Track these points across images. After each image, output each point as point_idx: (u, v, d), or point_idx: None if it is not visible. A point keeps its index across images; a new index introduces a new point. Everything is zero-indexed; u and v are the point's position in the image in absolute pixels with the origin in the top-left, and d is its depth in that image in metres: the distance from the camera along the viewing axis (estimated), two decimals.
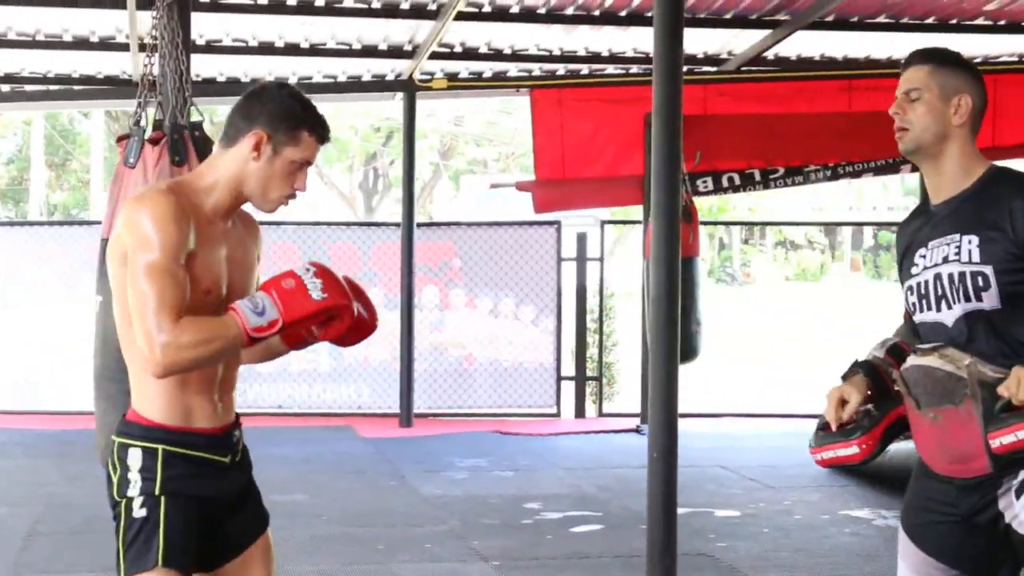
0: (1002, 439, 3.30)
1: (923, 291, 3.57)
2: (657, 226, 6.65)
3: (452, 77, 13.28)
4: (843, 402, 3.62)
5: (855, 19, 11.91)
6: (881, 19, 11.92)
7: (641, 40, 12.47)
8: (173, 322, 3.39)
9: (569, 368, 13.98)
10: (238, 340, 3.42)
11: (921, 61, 3.59)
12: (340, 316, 3.52)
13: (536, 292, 13.53)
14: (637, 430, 12.46)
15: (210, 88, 12.98)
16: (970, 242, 3.46)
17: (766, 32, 12.06)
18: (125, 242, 3.48)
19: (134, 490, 3.56)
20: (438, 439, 12.21)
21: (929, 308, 3.57)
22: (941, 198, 3.58)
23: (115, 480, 3.60)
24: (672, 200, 6.66)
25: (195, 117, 6.09)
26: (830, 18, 11.70)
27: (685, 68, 12.88)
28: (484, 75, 13.42)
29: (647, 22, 11.66)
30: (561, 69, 13.27)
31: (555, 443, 12.03)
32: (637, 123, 12.55)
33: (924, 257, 3.58)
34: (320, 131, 3.63)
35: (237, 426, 3.75)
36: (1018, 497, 3.44)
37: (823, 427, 3.65)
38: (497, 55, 12.77)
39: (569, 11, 11.56)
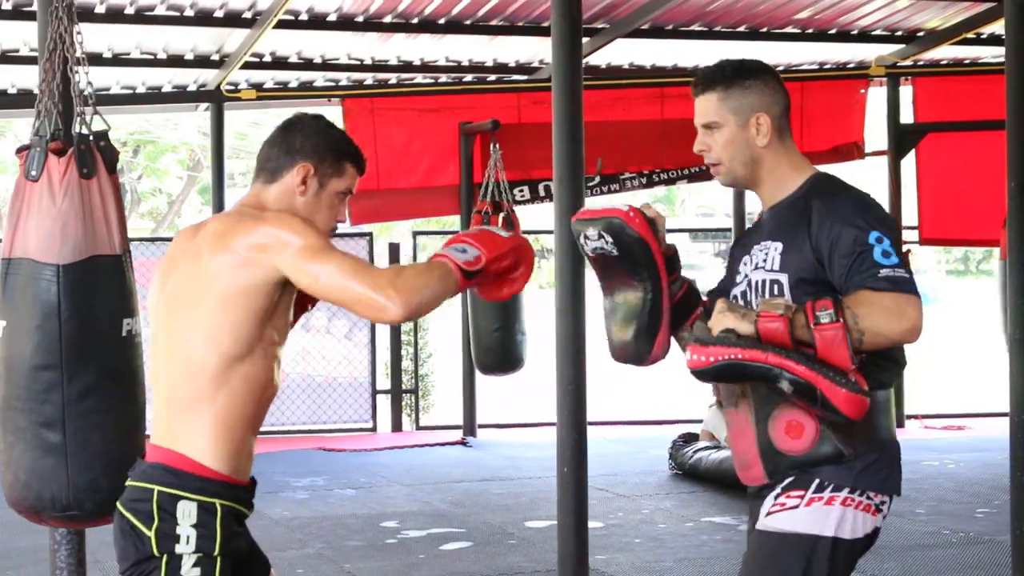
0: (688, 354, 3.21)
1: (745, 299, 3.50)
2: (560, 235, 6.54)
3: (259, 87, 12.92)
4: None
5: (670, 27, 11.99)
6: (695, 27, 12.02)
7: (454, 48, 12.35)
8: (378, 268, 3.31)
9: (384, 382, 13.73)
10: (452, 277, 3.34)
11: (707, 88, 3.48)
12: (526, 256, 3.52)
13: None
14: (463, 442, 12.34)
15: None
16: (776, 249, 3.40)
17: (583, 40, 12.03)
18: (267, 263, 3.27)
19: (185, 547, 3.28)
20: (261, 458, 11.58)
21: None
22: (767, 205, 3.52)
23: (151, 532, 3.29)
24: (576, 208, 6.53)
25: (100, 126, 5.70)
26: (646, 26, 11.75)
27: (495, 77, 12.96)
28: (290, 84, 13.10)
29: (464, 30, 11.60)
30: (370, 79, 13.04)
31: (384, 458, 11.79)
32: (451, 132, 12.43)
33: (745, 264, 3.52)
34: (361, 161, 3.56)
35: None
36: (770, 494, 3.38)
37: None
38: (307, 64, 12.48)
39: (387, 19, 11.34)
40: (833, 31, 12.43)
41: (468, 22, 11.53)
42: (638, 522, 8.87)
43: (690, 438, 10.66)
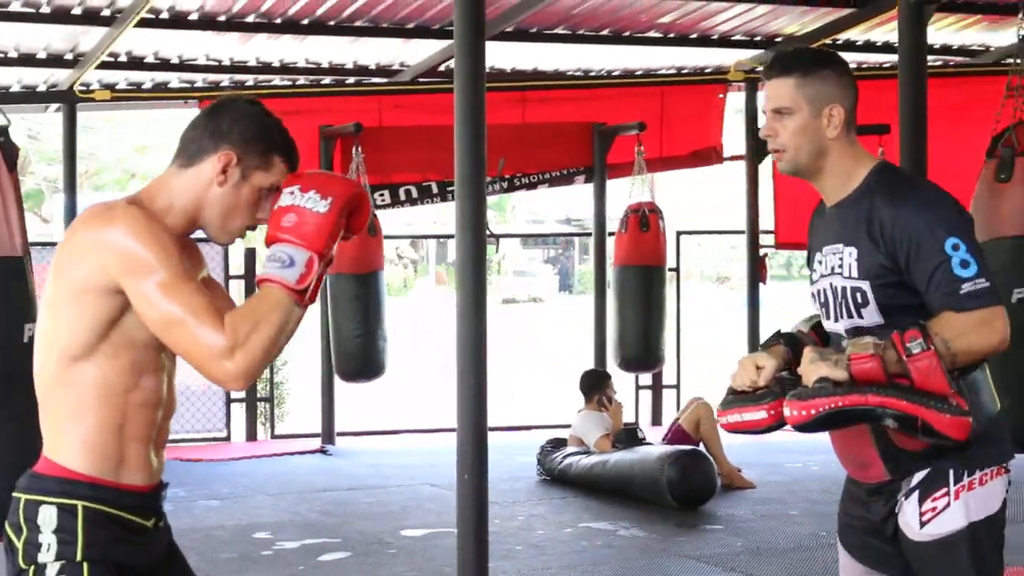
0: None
1: (821, 300, 3.51)
2: (462, 239, 6.42)
3: (112, 88, 12.56)
4: (758, 368, 3.40)
5: (534, 30, 11.92)
6: (559, 30, 11.97)
7: (315, 50, 12.13)
8: (220, 325, 2.92)
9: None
10: (291, 303, 2.99)
11: (784, 73, 3.43)
12: (360, 204, 3.12)
13: None
14: (323, 450, 12.13)
15: None
16: (851, 255, 3.37)
17: (445, 43, 11.93)
18: (110, 270, 2.98)
19: (47, 555, 3.03)
20: None
21: (827, 317, 3.51)
22: (831, 202, 3.49)
23: (19, 545, 3.05)
24: (478, 212, 6.46)
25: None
26: (510, 29, 11.66)
27: (354, 80, 12.77)
28: (144, 86, 12.76)
29: (327, 31, 11.40)
30: (227, 80, 12.75)
31: (243, 468, 11.52)
32: (311, 135, 12.21)
33: (820, 264, 3.51)
34: (292, 157, 3.20)
35: (165, 486, 3.27)
36: (907, 498, 3.39)
37: (733, 391, 3.45)
38: (164, 65, 12.15)
39: (250, 19, 11.09)
40: (694, 36, 12.46)
41: (332, 23, 11.33)
42: (515, 529, 8.77)
43: (558, 443, 10.59)
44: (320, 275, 3.08)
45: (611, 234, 12.47)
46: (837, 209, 3.44)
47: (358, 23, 11.40)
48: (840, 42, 12.72)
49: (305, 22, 11.27)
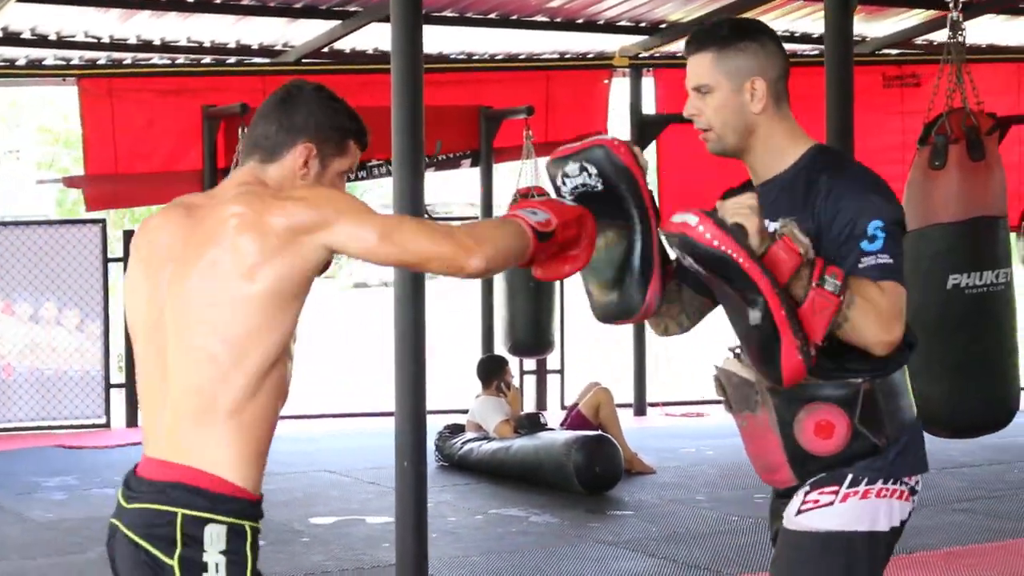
0: (672, 220, 3.02)
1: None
2: None
3: None
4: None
5: (422, 12, 11.78)
6: (447, 13, 11.87)
7: (197, 29, 11.89)
8: (445, 224, 3.05)
9: (118, 375, 13.14)
10: (526, 236, 3.04)
11: (700, 48, 3.25)
12: (589, 228, 3.21)
13: (80, 295, 12.63)
14: None
15: None
16: (769, 229, 3.17)
17: (332, 23, 11.77)
18: (288, 261, 2.90)
19: (215, 575, 2.90)
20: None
21: None
22: (759, 179, 3.30)
23: (174, 561, 2.89)
24: (416, 193, 6.36)
25: None
26: None
27: (236, 59, 12.55)
28: (18, 62, 12.39)
29: (212, 9, 11.19)
30: (104, 58, 12.42)
31: (132, 455, 11.12)
32: (193, 115, 11.99)
33: None
34: (364, 139, 3.19)
35: None
36: (797, 492, 3.23)
37: None
38: (41, 41, 11.80)
39: None
40: (580, 21, 12.46)
41: (218, 1, 11.11)
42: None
43: (456, 429, 10.52)
44: (546, 247, 3.12)
45: None
46: (766, 186, 3.25)
47: (244, 2, 11.19)
48: None
49: (191, 0, 11.03)
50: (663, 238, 3.18)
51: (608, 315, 3.40)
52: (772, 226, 3.11)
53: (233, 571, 2.89)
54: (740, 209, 3.02)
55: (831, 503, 3.16)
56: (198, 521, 2.88)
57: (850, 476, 3.16)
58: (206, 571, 2.88)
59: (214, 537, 2.89)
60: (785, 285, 2.97)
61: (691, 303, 3.49)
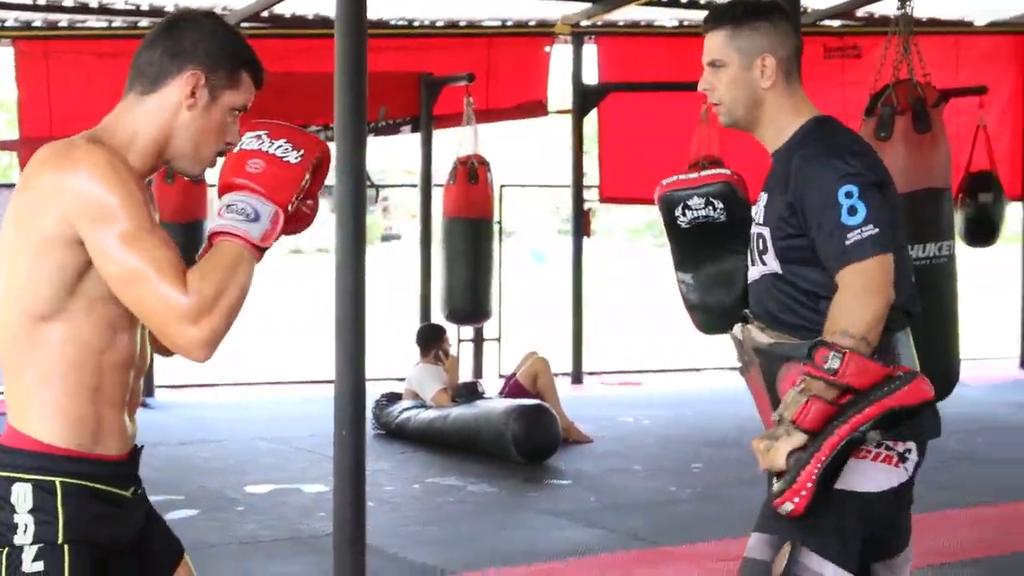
0: (785, 507, 3.10)
1: (750, 248, 3.48)
2: (341, 186, 6.23)
3: None
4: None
5: None
6: None
7: None
8: (183, 283, 2.63)
9: None
10: (251, 261, 2.71)
11: (716, 25, 3.43)
12: (322, 167, 2.86)
13: None
14: (143, 404, 11.71)
15: None
16: (762, 201, 3.38)
17: None
18: (70, 218, 2.67)
19: (23, 537, 2.73)
20: None
21: (753, 263, 3.47)
22: (771, 152, 3.47)
23: None
24: (359, 158, 6.25)
25: None
26: None
27: None
28: None
29: None
30: (40, 20, 12.21)
31: None
32: None
33: (757, 214, 3.46)
34: (259, 74, 2.93)
35: (139, 450, 2.95)
36: None
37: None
38: None
39: None
40: None
41: None
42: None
43: (393, 397, 10.45)
44: (300, 221, 2.88)
45: (438, 185, 12.33)
46: (774, 158, 3.42)
47: None
48: (664, 0, 12.79)
49: None
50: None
51: (718, 328, 3.66)
52: (764, 196, 3.37)
53: (43, 531, 2.74)
54: (773, 452, 3.11)
55: None
56: (6, 481, 2.76)
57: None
58: (15, 532, 2.74)
59: (21, 495, 2.75)
60: (837, 407, 3.08)
61: None
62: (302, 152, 2.77)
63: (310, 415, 11.03)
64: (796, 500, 3.05)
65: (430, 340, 10.39)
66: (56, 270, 2.73)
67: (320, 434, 10.33)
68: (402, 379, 10.69)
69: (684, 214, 3.51)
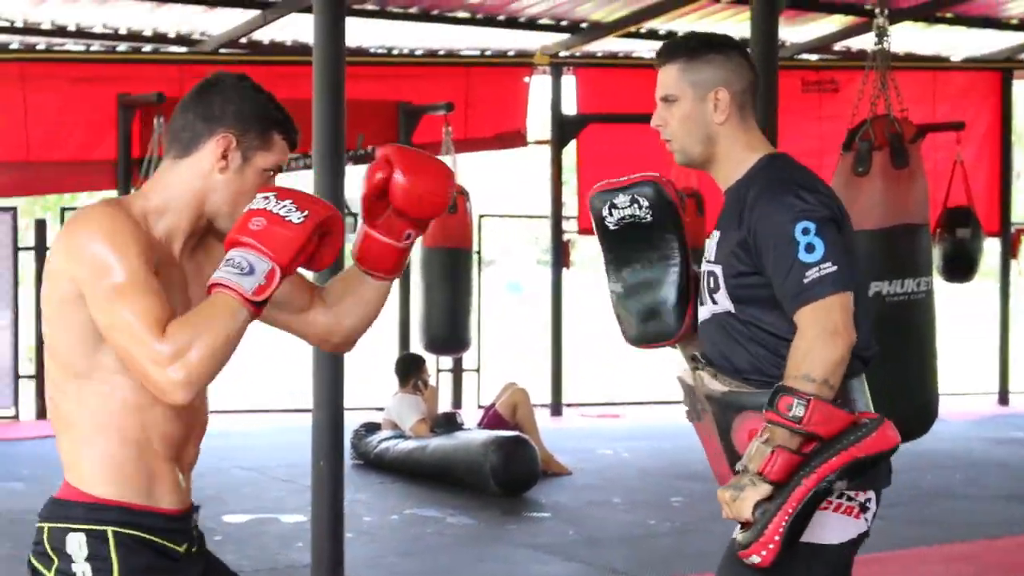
0: (752, 559, 3.02)
1: (698, 288, 3.39)
2: None
3: None
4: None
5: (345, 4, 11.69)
6: (368, 6, 11.77)
7: (113, 15, 11.70)
8: (162, 333, 2.68)
9: (27, 366, 12.90)
10: (241, 313, 2.73)
11: (669, 59, 3.32)
12: (332, 228, 2.86)
13: None
14: None
15: None
16: (713, 238, 3.29)
17: (251, 13, 11.64)
18: (76, 276, 2.75)
19: None
20: None
21: (702, 305, 3.37)
22: (724, 191, 3.36)
23: (51, 574, 2.82)
24: (337, 188, 6.28)
25: None
26: None
27: (151, 47, 12.37)
28: None
29: None
30: (17, 42, 12.20)
31: (39, 448, 11.02)
32: (108, 103, 11.81)
33: (708, 251, 3.37)
34: (292, 133, 2.97)
35: (197, 508, 3.03)
36: None
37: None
38: None
39: None
40: (502, 18, 12.40)
41: None
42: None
43: (372, 427, 10.42)
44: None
45: None
46: (726, 196, 3.32)
47: None
48: (643, 32, 12.84)
49: None
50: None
51: (645, 339, 3.50)
52: (715, 234, 3.28)
53: None
54: (738, 503, 3.01)
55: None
56: (61, 532, 2.82)
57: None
58: None
59: (77, 545, 2.81)
60: (801, 457, 2.98)
61: None
62: (306, 213, 2.78)
63: (288, 444, 10.99)
64: (763, 553, 2.97)
65: (409, 370, 10.37)
66: (79, 329, 2.79)
67: (298, 463, 10.30)
68: (381, 409, 10.65)
69: (611, 214, 3.39)
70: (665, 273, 3.41)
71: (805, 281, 3.03)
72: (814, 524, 3.07)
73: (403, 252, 3.08)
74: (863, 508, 3.18)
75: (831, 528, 3.14)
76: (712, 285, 3.23)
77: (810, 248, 3.05)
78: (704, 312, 3.29)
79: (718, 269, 3.21)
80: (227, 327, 2.72)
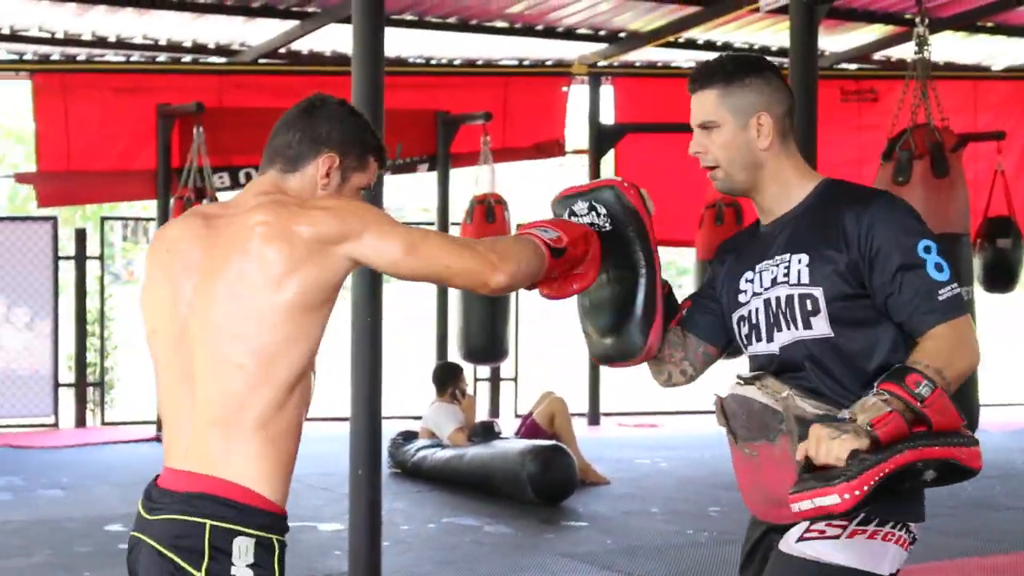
0: (801, 504, 2.90)
1: (754, 321, 3.24)
2: None
3: None
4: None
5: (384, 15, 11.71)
6: (407, 16, 11.79)
7: (153, 26, 11.76)
8: (466, 238, 3.12)
9: (66, 375, 12.97)
10: (541, 252, 3.12)
11: (705, 85, 3.22)
12: (594, 245, 3.23)
13: (31, 293, 12.46)
14: (158, 439, 11.75)
15: None
16: (799, 261, 3.14)
17: (290, 24, 11.67)
18: (316, 272, 2.90)
19: None
20: None
21: (759, 339, 3.23)
22: (769, 219, 3.27)
23: (201, 573, 2.85)
24: (376, 196, 6.28)
25: None
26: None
27: (191, 58, 12.43)
28: None
29: (168, 6, 11.07)
30: (58, 53, 12.27)
31: (79, 456, 11.13)
32: (148, 114, 11.87)
33: (752, 282, 3.25)
34: (383, 156, 3.24)
35: None
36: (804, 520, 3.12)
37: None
38: None
39: None
40: (540, 27, 12.41)
41: None
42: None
43: (409, 436, 10.44)
44: (559, 264, 3.17)
45: (455, 224, 12.35)
46: (779, 224, 3.22)
47: (202, 0, 11.09)
48: (682, 41, 12.81)
49: None
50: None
51: (607, 356, 3.40)
52: (796, 258, 3.14)
53: None
54: (837, 443, 2.87)
55: (837, 536, 3.08)
56: (226, 533, 2.86)
57: (863, 513, 3.04)
58: None
59: (242, 550, 2.87)
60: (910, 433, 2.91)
61: (695, 351, 3.44)
62: (590, 250, 3.23)
63: (326, 453, 11.00)
64: (847, 496, 2.83)
65: (446, 379, 10.38)
66: (310, 333, 2.95)
67: (336, 472, 10.32)
68: (418, 417, 10.66)
69: (571, 220, 3.28)
70: (627, 287, 3.29)
71: (940, 299, 3.02)
72: (876, 553, 3.06)
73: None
74: (912, 541, 3.15)
75: (890, 559, 3.10)
76: (810, 308, 3.12)
77: (939, 268, 3.04)
78: (786, 337, 3.17)
79: (817, 292, 3.11)
80: (531, 252, 3.08)
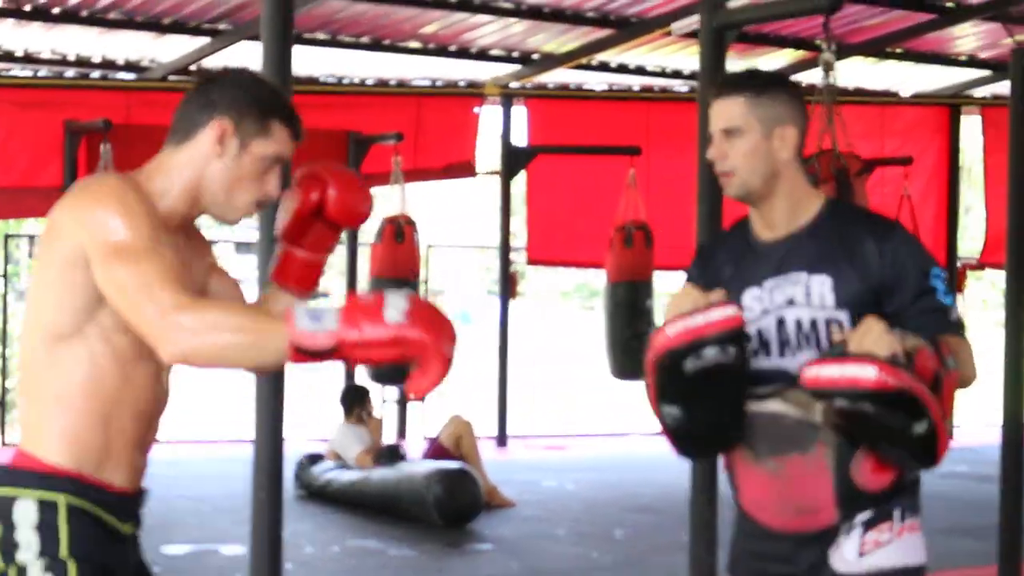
0: (823, 370, 2.90)
1: (764, 338, 3.23)
2: (265, 242, 6.18)
3: None
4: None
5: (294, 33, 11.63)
6: (319, 35, 11.74)
7: (61, 41, 11.61)
8: (185, 293, 2.66)
9: None
10: (279, 345, 2.59)
11: (735, 91, 3.24)
12: (423, 357, 2.62)
13: None
14: None
15: None
16: (822, 284, 3.18)
17: (200, 41, 11.57)
18: (84, 241, 2.73)
19: (27, 553, 2.76)
20: None
21: (769, 354, 3.24)
22: (774, 234, 3.27)
23: None
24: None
25: None
26: None
27: (100, 74, 12.28)
28: None
29: (78, 21, 10.96)
30: None
31: None
32: (54, 130, 11.69)
33: (760, 300, 3.25)
34: (295, 122, 2.95)
35: (145, 492, 2.97)
36: (848, 534, 3.18)
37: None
38: None
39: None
40: (453, 48, 12.39)
41: (84, 13, 10.86)
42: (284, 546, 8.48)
43: (316, 458, 10.35)
44: (324, 359, 2.64)
45: (363, 244, 12.28)
46: (787, 240, 3.25)
47: (111, 15, 10.96)
48: (595, 64, 12.85)
49: (56, 11, 10.77)
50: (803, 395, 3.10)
51: (700, 456, 3.72)
52: (817, 280, 3.19)
53: (47, 547, 2.77)
54: (891, 338, 2.92)
55: (890, 540, 3.19)
56: (8, 500, 2.79)
57: (897, 511, 3.20)
58: (18, 549, 2.77)
59: (24, 513, 2.78)
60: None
61: None
62: (405, 321, 2.60)
63: (231, 474, 10.89)
64: (884, 376, 2.85)
65: (353, 401, 10.31)
66: (77, 293, 2.78)
67: (239, 494, 10.22)
68: (326, 440, 10.57)
69: (692, 363, 3.10)
70: (735, 411, 3.24)
71: (951, 320, 3.18)
72: (918, 546, 3.22)
73: (323, 265, 3.19)
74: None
75: (924, 549, 3.25)
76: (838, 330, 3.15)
77: (946, 293, 3.19)
78: (805, 357, 3.14)
79: (843, 316, 3.15)
80: (257, 337, 2.62)
